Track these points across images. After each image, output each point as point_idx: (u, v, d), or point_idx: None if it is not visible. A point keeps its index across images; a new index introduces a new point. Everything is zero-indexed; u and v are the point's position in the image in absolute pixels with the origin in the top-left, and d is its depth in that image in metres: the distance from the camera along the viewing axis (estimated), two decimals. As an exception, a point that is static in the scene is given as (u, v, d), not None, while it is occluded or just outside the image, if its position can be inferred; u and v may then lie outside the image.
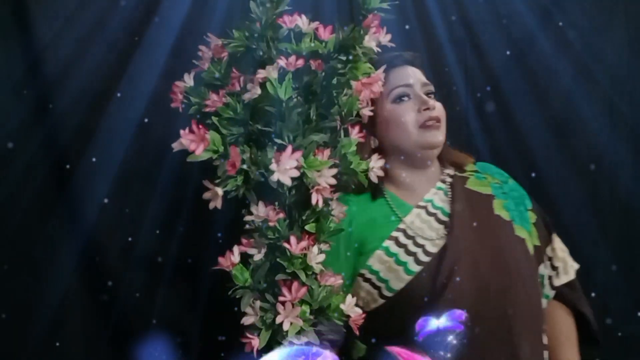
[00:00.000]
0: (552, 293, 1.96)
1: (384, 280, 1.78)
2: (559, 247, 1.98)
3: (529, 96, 2.27)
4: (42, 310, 2.00)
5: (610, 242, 2.09)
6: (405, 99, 1.87)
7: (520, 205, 1.95)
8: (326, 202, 1.63)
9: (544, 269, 1.95)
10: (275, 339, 1.58)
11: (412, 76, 1.90)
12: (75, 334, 2.05)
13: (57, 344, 2.01)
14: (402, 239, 1.80)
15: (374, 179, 1.71)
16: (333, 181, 1.61)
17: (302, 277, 1.58)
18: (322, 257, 1.62)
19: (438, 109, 1.89)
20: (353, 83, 1.65)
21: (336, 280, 1.64)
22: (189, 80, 1.68)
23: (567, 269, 1.98)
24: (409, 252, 1.78)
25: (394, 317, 1.76)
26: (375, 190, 1.86)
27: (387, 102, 1.87)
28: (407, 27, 2.17)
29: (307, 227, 1.64)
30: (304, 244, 1.59)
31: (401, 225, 1.82)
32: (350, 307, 1.63)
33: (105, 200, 2.03)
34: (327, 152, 1.62)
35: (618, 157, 2.24)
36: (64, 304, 2.01)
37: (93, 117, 2.04)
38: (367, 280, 1.79)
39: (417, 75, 1.91)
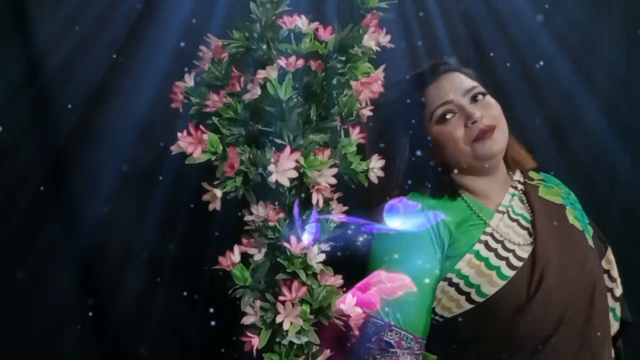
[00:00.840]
0: (616, 305, 1.96)
1: (473, 285, 1.75)
2: (612, 259, 1.96)
3: (528, 96, 2.27)
4: (43, 310, 2.01)
5: (609, 242, 2.08)
6: (449, 115, 1.83)
7: (584, 217, 1.94)
8: (327, 201, 1.63)
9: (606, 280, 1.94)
10: (275, 339, 1.59)
11: (451, 88, 1.85)
12: (75, 334, 2.05)
13: (57, 343, 2.02)
14: (492, 243, 1.79)
15: (374, 180, 1.71)
16: (333, 181, 1.61)
17: (302, 276, 1.58)
18: (322, 256, 1.61)
19: (488, 114, 1.83)
20: (353, 83, 1.65)
21: (336, 280, 1.64)
22: (189, 80, 1.67)
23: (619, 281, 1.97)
24: (499, 257, 1.77)
25: (480, 322, 1.75)
26: (453, 192, 1.86)
27: (433, 125, 1.85)
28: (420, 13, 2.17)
29: (307, 227, 1.64)
30: (303, 243, 1.59)
31: (487, 229, 1.80)
32: (350, 307, 1.63)
33: (106, 201, 2.03)
34: (327, 152, 1.63)
35: (618, 157, 2.25)
36: (63, 303, 2.02)
37: (93, 117, 2.04)
38: (454, 284, 1.76)
39: (457, 83, 1.86)
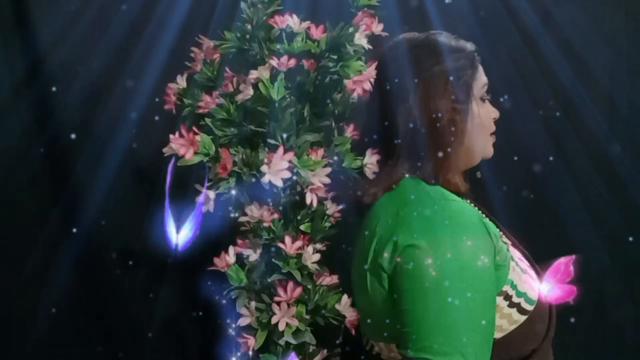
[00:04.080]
0: None
1: (522, 294, 1.51)
2: None
3: (528, 95, 2.27)
4: (43, 310, 2.01)
5: (608, 242, 2.07)
6: (486, 99, 1.66)
7: None
8: (321, 201, 1.63)
9: None
10: (272, 339, 1.58)
11: (484, 76, 1.65)
12: (75, 333, 2.05)
13: (57, 343, 2.02)
14: (511, 249, 1.59)
15: (370, 175, 1.67)
16: (327, 180, 1.60)
17: (298, 277, 1.58)
18: (317, 256, 1.61)
19: None
20: (346, 82, 1.64)
21: (332, 280, 1.63)
22: (181, 81, 1.68)
23: None
24: (521, 259, 1.61)
25: (527, 336, 1.53)
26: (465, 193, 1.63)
27: (478, 102, 1.61)
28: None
29: (302, 227, 1.63)
30: (298, 243, 1.58)
31: (504, 237, 1.60)
32: (346, 307, 1.62)
33: (106, 201, 2.04)
34: (320, 151, 1.62)
35: (617, 157, 2.24)
36: (63, 303, 2.02)
37: (94, 117, 2.05)
38: (508, 298, 1.50)
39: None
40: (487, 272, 1.44)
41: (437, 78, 1.56)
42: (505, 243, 1.56)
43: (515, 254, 1.59)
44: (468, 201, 1.63)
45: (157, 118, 1.97)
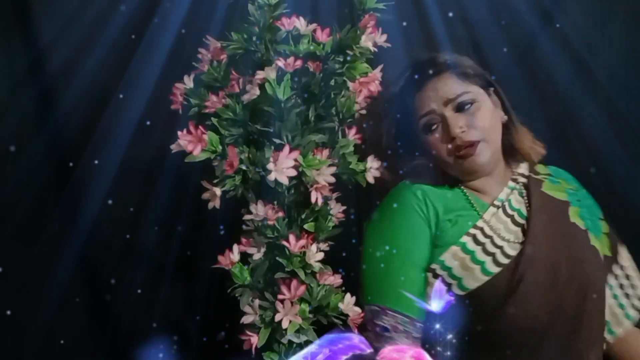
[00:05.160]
0: (635, 314, 1.91)
1: (457, 278, 1.73)
2: (627, 257, 1.92)
3: (528, 95, 2.27)
4: (43, 310, 2.02)
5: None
6: (434, 126, 1.78)
7: (593, 214, 1.87)
8: (325, 200, 1.64)
9: (613, 281, 1.88)
10: (275, 337, 1.60)
11: (435, 96, 1.78)
12: (76, 333, 2.06)
13: (58, 343, 2.02)
14: (480, 237, 1.76)
15: (371, 180, 1.71)
16: (332, 179, 1.62)
17: (301, 275, 1.59)
18: (320, 255, 1.62)
19: (473, 127, 1.76)
20: (351, 84, 1.66)
21: (335, 280, 1.65)
22: (188, 82, 1.68)
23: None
24: (486, 252, 1.74)
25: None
26: (452, 183, 1.82)
27: (422, 134, 1.81)
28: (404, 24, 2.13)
29: (306, 226, 1.65)
30: (302, 242, 1.60)
31: (479, 223, 1.77)
32: (349, 306, 1.64)
33: (107, 201, 2.04)
34: (325, 152, 1.63)
35: (617, 157, 2.25)
36: (65, 303, 2.03)
37: (94, 117, 2.05)
38: (437, 276, 1.73)
39: (442, 90, 1.78)
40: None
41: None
42: (471, 234, 1.75)
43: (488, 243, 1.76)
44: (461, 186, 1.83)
45: (157, 118, 1.99)
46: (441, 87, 1.79)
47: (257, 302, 1.60)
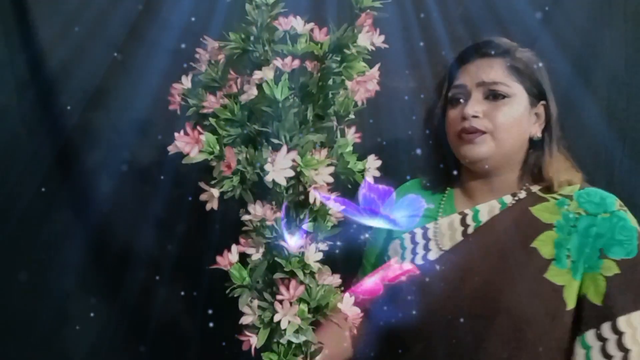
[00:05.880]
0: None
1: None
2: (634, 325, 1.58)
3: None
4: (44, 310, 2.02)
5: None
6: (460, 101, 1.78)
7: (591, 248, 1.66)
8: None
9: (594, 342, 1.61)
10: (273, 338, 1.59)
11: (474, 73, 1.75)
12: (77, 332, 2.06)
13: (59, 342, 2.02)
14: (418, 237, 1.78)
15: (370, 180, 1.71)
16: (330, 179, 1.61)
17: (300, 275, 1.59)
18: (319, 255, 1.62)
19: (491, 118, 1.72)
20: (349, 83, 1.65)
21: (334, 280, 1.64)
22: (186, 82, 1.68)
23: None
24: (413, 252, 1.77)
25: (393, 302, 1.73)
26: (437, 186, 1.85)
27: (448, 108, 1.81)
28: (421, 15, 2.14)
29: (304, 227, 1.64)
30: (301, 242, 1.59)
31: (429, 224, 1.78)
32: (348, 306, 1.63)
33: (107, 201, 2.04)
34: (324, 152, 1.63)
35: (618, 157, 2.24)
36: (64, 303, 2.03)
37: (94, 117, 2.05)
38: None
39: (482, 71, 1.75)
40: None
41: None
42: (413, 232, 1.79)
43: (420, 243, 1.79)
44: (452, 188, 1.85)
45: (158, 118, 1.99)
46: (484, 67, 1.77)
47: (256, 302, 1.60)
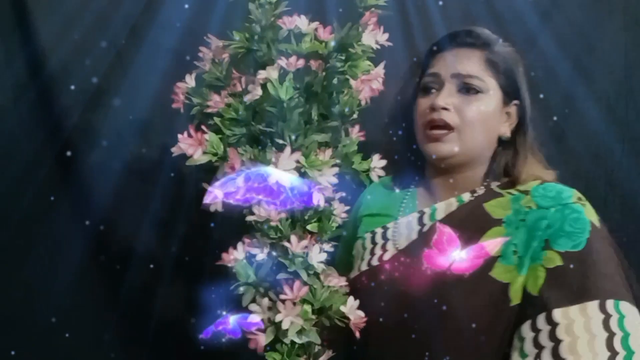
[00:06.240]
0: None
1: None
2: (571, 317, 1.50)
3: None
4: (44, 310, 2.01)
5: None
6: (431, 90, 1.70)
7: (539, 241, 1.59)
8: (328, 201, 1.63)
9: (529, 333, 1.54)
10: (278, 338, 1.59)
11: (450, 62, 1.67)
12: (77, 332, 2.05)
13: (59, 343, 2.02)
14: (378, 238, 1.76)
15: (375, 179, 1.71)
16: (335, 180, 1.61)
17: (304, 276, 1.59)
18: (323, 256, 1.61)
19: (461, 113, 1.65)
20: (353, 82, 1.65)
21: (339, 282, 1.64)
22: (190, 81, 1.67)
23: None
24: (372, 253, 1.75)
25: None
26: (402, 183, 1.80)
27: (418, 96, 1.74)
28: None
29: (309, 227, 1.64)
30: (304, 242, 1.59)
31: (389, 224, 1.76)
32: (352, 309, 1.62)
33: (107, 200, 2.03)
34: (328, 152, 1.62)
35: (617, 157, 2.24)
36: (64, 303, 2.02)
37: (95, 117, 2.05)
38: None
39: (459, 62, 1.67)
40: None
41: None
42: (374, 232, 1.76)
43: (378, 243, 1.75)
44: (412, 186, 1.81)
45: (159, 118, 1.98)
46: (461, 58, 1.69)
47: (265, 300, 1.59)
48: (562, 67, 2.25)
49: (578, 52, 2.27)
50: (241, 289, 1.61)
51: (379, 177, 1.73)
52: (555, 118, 2.27)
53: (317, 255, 1.61)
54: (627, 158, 2.25)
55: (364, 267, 1.74)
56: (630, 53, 2.30)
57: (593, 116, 2.25)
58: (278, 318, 1.55)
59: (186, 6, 1.96)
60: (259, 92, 1.58)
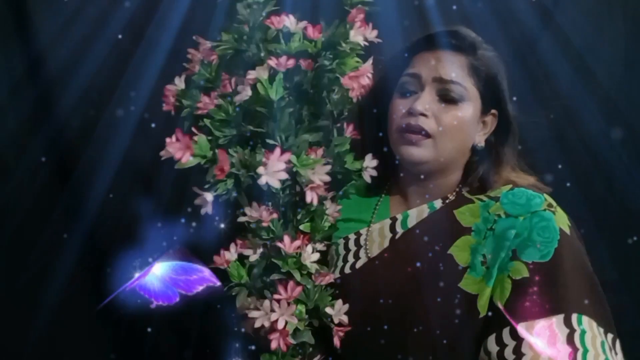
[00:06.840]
0: None
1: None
2: (536, 330, 1.46)
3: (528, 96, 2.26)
4: (44, 310, 2.01)
5: (607, 243, 2.06)
6: (409, 93, 1.64)
7: (506, 251, 1.54)
8: (321, 200, 1.62)
9: (493, 346, 1.50)
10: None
11: (433, 65, 1.60)
12: (77, 332, 2.05)
13: (59, 343, 2.02)
14: (351, 244, 1.74)
15: (367, 179, 1.69)
16: (327, 178, 1.59)
17: (297, 276, 1.58)
18: (316, 256, 1.61)
19: (439, 120, 1.58)
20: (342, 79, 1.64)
21: (330, 279, 1.63)
22: (180, 83, 1.67)
23: None
24: (344, 260, 1.73)
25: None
26: (374, 188, 1.76)
27: (394, 96, 1.67)
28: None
29: (301, 227, 1.63)
30: (297, 243, 1.58)
31: (362, 230, 1.74)
32: (339, 313, 1.61)
33: (107, 200, 2.04)
34: (320, 151, 1.62)
35: (617, 157, 2.23)
36: (65, 304, 2.02)
37: (95, 117, 2.05)
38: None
39: (442, 65, 1.59)
40: None
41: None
42: (347, 238, 1.73)
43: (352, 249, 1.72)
44: (385, 191, 1.77)
45: (156, 119, 1.98)
46: (444, 62, 1.61)
47: (267, 302, 1.57)
48: (562, 67, 2.25)
49: (578, 52, 2.26)
50: (234, 290, 1.60)
51: (371, 177, 1.69)
52: (554, 117, 2.27)
53: (310, 255, 1.60)
54: (627, 158, 2.24)
55: (337, 274, 1.71)
56: (630, 53, 2.29)
57: (593, 116, 2.24)
58: (273, 318, 1.54)
59: (186, 6, 1.97)
60: (248, 92, 1.58)
